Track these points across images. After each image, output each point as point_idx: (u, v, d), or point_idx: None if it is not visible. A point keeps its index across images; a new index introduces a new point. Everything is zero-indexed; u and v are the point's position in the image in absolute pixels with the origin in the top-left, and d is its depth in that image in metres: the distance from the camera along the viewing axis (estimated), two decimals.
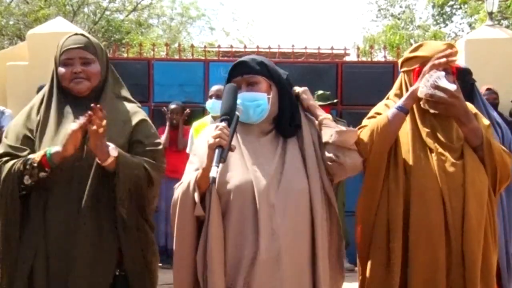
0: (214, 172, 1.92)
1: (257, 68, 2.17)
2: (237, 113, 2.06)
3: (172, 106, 6.12)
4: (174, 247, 2.14)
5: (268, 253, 2.01)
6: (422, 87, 2.21)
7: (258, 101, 2.13)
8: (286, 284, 2.03)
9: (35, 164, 2.12)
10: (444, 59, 2.21)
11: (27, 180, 2.14)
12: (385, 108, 2.41)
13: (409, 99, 2.27)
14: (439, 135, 2.29)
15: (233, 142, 2.11)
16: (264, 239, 2.01)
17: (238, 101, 2.10)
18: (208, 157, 2.00)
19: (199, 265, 2.05)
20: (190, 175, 2.14)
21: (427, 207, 2.21)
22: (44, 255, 2.15)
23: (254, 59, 2.20)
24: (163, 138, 5.85)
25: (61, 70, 2.26)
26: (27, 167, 2.13)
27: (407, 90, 2.36)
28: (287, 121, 2.18)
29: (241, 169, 2.10)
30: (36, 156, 2.14)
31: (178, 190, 2.13)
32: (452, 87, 2.20)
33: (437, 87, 2.19)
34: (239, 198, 2.07)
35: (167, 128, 6.07)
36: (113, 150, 2.13)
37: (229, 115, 2.04)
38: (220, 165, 1.99)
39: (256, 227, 2.03)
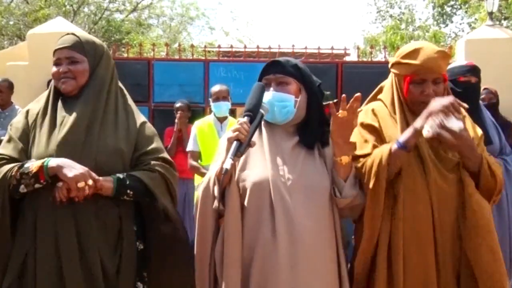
0: (228, 164, 1.93)
1: (290, 70, 2.17)
2: (261, 111, 2.07)
3: (178, 104, 6.03)
4: (195, 241, 2.17)
5: (286, 250, 2.01)
6: (428, 130, 2.11)
7: (285, 102, 2.14)
8: (310, 279, 2.03)
9: (31, 175, 2.11)
10: (451, 108, 2.11)
11: (22, 189, 2.14)
12: (373, 118, 2.31)
13: (412, 138, 2.15)
14: (436, 148, 2.23)
15: (258, 141, 2.15)
16: (280, 239, 2.02)
17: (265, 100, 2.11)
18: (226, 150, 2.03)
19: (217, 258, 2.08)
20: (211, 170, 2.16)
21: (417, 222, 2.18)
22: (33, 256, 2.14)
23: (289, 61, 2.21)
24: (171, 142, 5.84)
25: (53, 69, 2.29)
26: (24, 176, 2.12)
27: (398, 95, 2.30)
28: (312, 129, 2.18)
29: (260, 167, 2.11)
30: (33, 167, 2.13)
31: (201, 186, 2.16)
32: (459, 126, 2.10)
33: (443, 127, 2.09)
34: (256, 195, 2.08)
35: (175, 133, 5.91)
36: (107, 184, 2.15)
37: (252, 112, 2.05)
38: (242, 158, 2.05)
39: (272, 225, 2.04)
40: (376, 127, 2.29)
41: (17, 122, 2.32)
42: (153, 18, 18.21)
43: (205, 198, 2.12)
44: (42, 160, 2.13)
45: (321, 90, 2.26)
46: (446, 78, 2.28)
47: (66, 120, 2.21)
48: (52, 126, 2.22)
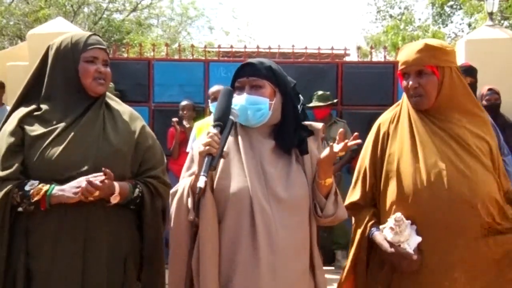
0: (202, 182, 1.88)
1: (263, 72, 2.12)
2: (231, 117, 2.02)
3: (184, 103, 6.04)
4: (169, 253, 2.11)
5: (267, 260, 1.99)
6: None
7: (259, 105, 2.09)
8: (288, 285, 2.03)
9: (32, 201, 2.10)
10: None
11: (20, 210, 2.14)
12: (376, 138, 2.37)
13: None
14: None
15: (233, 145, 2.11)
16: (263, 247, 1.99)
17: (235, 105, 2.07)
18: (198, 164, 1.98)
19: (194, 271, 2.03)
20: (185, 180, 2.11)
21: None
22: (23, 274, 2.14)
23: (262, 62, 2.16)
24: (173, 144, 5.87)
25: (86, 66, 2.24)
26: (24, 200, 2.12)
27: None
28: (288, 131, 2.13)
29: (239, 176, 2.06)
30: (35, 192, 2.10)
31: (175, 196, 2.10)
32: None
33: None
34: (236, 205, 2.03)
35: (176, 134, 5.92)
36: (117, 193, 2.16)
37: (221, 121, 2.00)
38: (218, 170, 2.02)
39: (253, 235, 2.00)
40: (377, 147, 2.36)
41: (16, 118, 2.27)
42: (153, 18, 18.21)
43: (179, 209, 2.06)
44: (45, 189, 2.10)
45: (296, 91, 2.21)
46: (435, 69, 2.24)
47: (83, 123, 2.22)
48: (66, 126, 2.21)
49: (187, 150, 5.33)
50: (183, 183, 2.09)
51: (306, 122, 2.21)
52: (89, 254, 2.15)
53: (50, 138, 2.17)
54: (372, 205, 2.36)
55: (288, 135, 2.13)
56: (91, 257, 2.15)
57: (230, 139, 2.08)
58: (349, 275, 2.36)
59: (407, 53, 2.27)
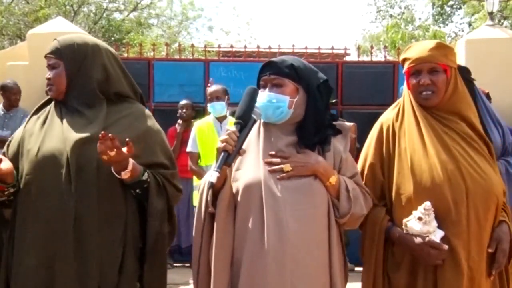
0: (214, 177, 1.94)
1: (285, 70, 2.15)
2: (253, 116, 2.07)
3: (183, 102, 6.08)
4: (193, 246, 2.17)
5: (274, 249, 2.01)
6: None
7: (278, 103, 2.12)
8: (298, 280, 2.02)
9: None
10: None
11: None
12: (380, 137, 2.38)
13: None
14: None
15: (255, 140, 2.16)
16: (268, 240, 2.01)
17: (258, 101, 2.11)
18: (216, 159, 2.03)
19: (210, 261, 2.09)
20: (208, 173, 2.16)
21: None
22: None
23: (284, 60, 2.18)
24: (174, 144, 5.88)
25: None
26: None
27: (408, 94, 2.36)
28: (307, 128, 2.15)
29: (254, 167, 2.11)
30: None
31: (199, 190, 2.17)
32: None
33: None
34: (247, 195, 2.08)
35: (178, 134, 5.97)
36: (129, 168, 2.14)
37: (243, 119, 2.05)
38: (236, 163, 2.08)
39: (261, 226, 2.04)
40: (382, 147, 2.37)
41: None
42: (153, 18, 18.21)
43: (200, 202, 2.14)
44: None
45: (328, 87, 2.21)
46: (447, 68, 2.29)
47: (50, 127, 2.26)
48: (40, 130, 2.26)
49: (187, 150, 5.34)
50: (205, 177, 2.16)
51: (337, 122, 2.24)
52: (80, 260, 2.13)
53: (32, 135, 2.26)
54: (383, 204, 2.35)
55: (308, 131, 2.15)
56: (82, 263, 2.13)
57: (253, 135, 2.14)
58: (370, 275, 2.33)
59: (419, 50, 2.31)
